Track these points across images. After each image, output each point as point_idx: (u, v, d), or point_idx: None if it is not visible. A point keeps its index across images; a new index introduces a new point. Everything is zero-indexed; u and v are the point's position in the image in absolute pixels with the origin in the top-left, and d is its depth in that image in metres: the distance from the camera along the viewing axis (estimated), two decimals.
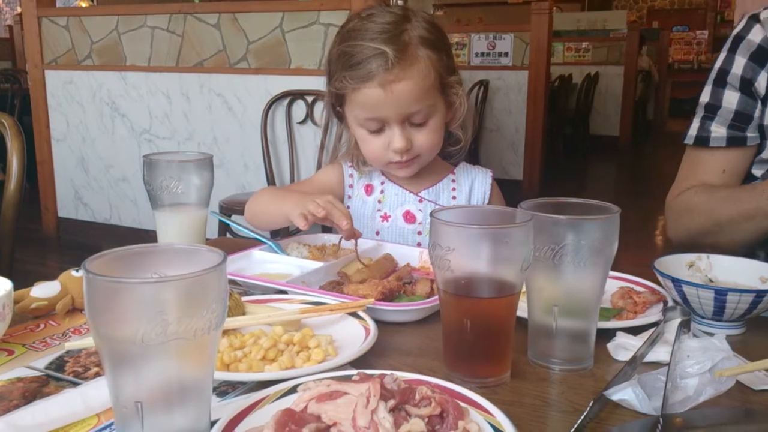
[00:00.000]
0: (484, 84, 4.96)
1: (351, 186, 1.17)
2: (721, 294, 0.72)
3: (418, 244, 1.11)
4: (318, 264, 0.94)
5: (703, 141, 1.09)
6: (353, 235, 0.95)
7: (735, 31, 1.09)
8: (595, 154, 6.96)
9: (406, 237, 1.13)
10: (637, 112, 7.52)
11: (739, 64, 1.05)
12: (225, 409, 0.54)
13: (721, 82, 1.08)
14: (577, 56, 7.05)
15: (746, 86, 1.05)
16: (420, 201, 1.14)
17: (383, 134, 1.04)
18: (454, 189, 1.16)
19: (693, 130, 1.11)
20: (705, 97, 1.10)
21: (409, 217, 1.13)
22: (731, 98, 1.06)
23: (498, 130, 5.17)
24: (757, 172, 1.09)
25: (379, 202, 1.15)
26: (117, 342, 0.46)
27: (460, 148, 1.14)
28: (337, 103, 1.09)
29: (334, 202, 0.96)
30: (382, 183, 1.16)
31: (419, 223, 1.13)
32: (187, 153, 0.98)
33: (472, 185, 1.17)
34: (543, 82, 4.83)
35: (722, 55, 1.09)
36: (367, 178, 1.17)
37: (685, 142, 1.13)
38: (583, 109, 6.81)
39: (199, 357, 0.49)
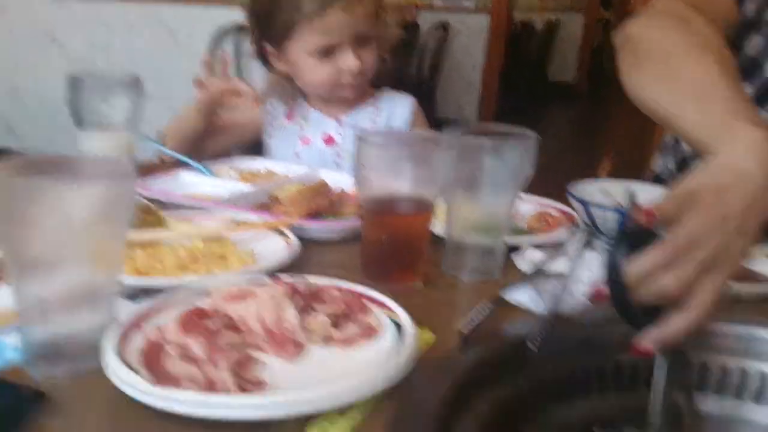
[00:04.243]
0: (444, 26, 4.90)
1: (270, 114, 1.20)
2: (624, 215, 0.77)
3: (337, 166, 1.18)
4: (248, 186, 0.94)
5: None
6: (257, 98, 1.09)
7: None
8: (552, 99, 7.03)
9: (326, 159, 1.17)
10: (595, 61, 7.57)
11: None
12: (134, 309, 0.55)
13: None
14: (540, 3, 6.99)
15: None
16: (340, 125, 1.18)
17: (333, 59, 1.09)
18: (375, 113, 1.20)
19: None
20: None
21: (329, 141, 1.18)
22: None
23: (456, 71, 5.16)
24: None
25: (301, 128, 1.19)
26: (22, 245, 0.47)
27: (388, 70, 1.19)
28: (275, 41, 1.11)
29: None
30: (304, 109, 1.19)
31: (338, 145, 1.17)
32: (114, 74, 0.95)
33: (393, 111, 1.20)
34: (504, 25, 4.81)
35: None
36: (287, 106, 1.20)
37: None
38: (543, 56, 6.81)
39: (105, 264, 0.50)
